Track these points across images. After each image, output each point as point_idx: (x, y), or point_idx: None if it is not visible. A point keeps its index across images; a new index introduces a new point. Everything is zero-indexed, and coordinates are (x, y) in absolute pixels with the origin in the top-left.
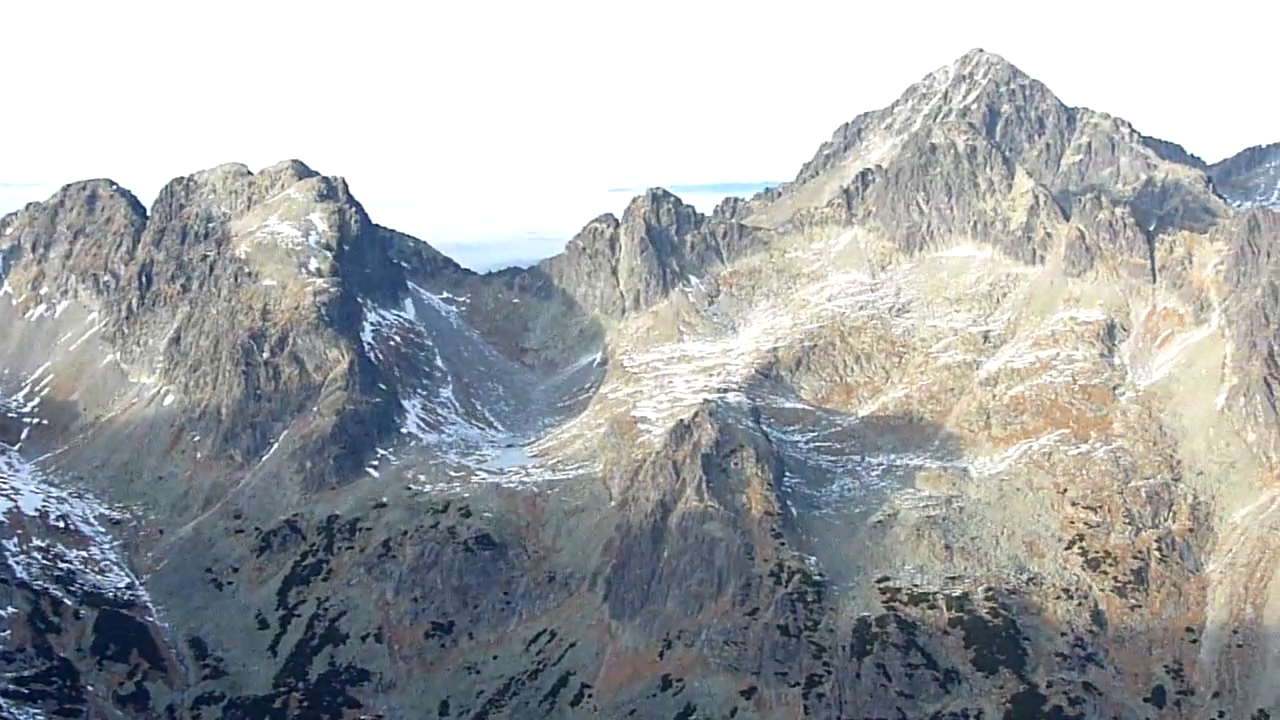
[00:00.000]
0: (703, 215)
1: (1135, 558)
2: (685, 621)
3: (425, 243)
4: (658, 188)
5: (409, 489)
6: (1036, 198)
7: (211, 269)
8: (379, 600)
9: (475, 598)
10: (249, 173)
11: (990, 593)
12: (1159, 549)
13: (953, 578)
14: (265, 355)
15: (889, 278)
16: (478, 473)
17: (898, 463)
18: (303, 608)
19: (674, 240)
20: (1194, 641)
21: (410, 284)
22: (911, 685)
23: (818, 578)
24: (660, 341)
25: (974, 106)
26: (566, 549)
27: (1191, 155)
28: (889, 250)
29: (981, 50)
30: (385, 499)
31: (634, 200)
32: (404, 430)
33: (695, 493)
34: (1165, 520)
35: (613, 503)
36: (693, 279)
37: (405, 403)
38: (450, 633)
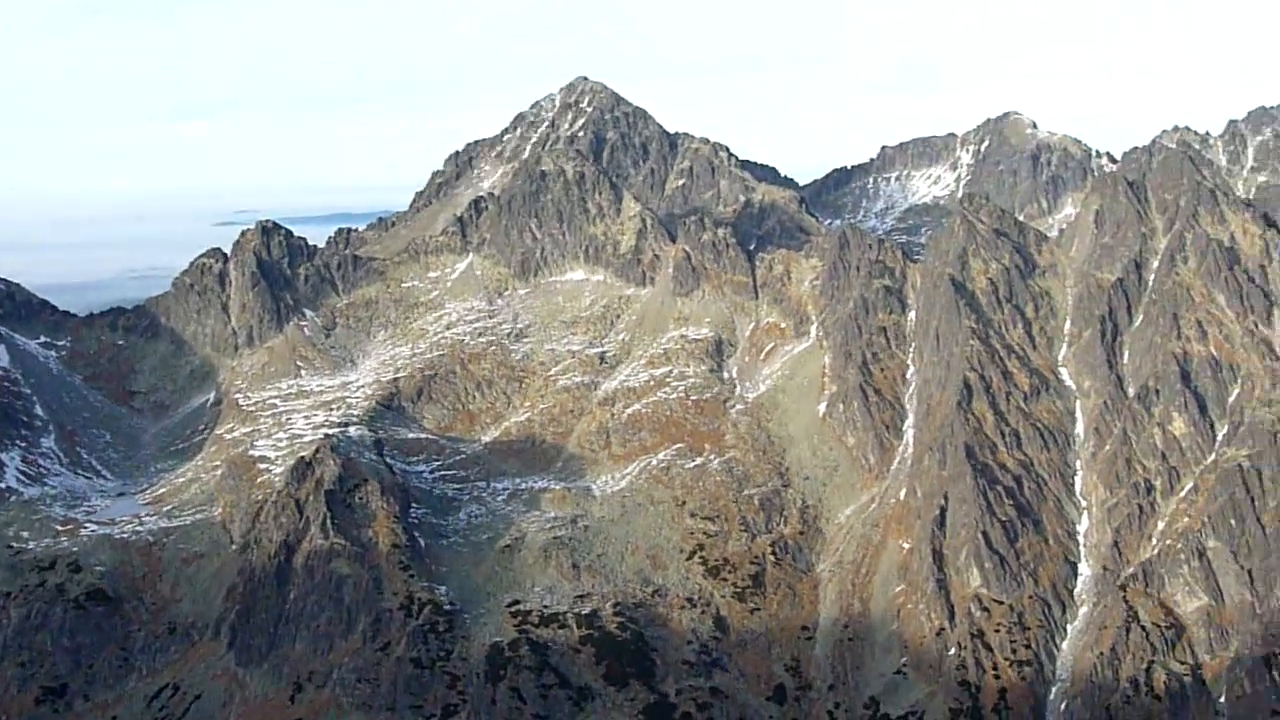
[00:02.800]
0: (315, 247)
1: (752, 563)
2: (316, 662)
3: (18, 285)
4: (267, 220)
5: (10, 547)
6: (644, 221)
7: None
8: None
9: (89, 657)
10: None
11: (618, 607)
12: (773, 553)
13: (581, 596)
14: None
15: (506, 304)
16: (86, 525)
17: (523, 486)
18: None
19: (287, 273)
20: (809, 639)
21: (2, 329)
22: (546, 706)
23: (449, 607)
24: (277, 378)
25: (581, 134)
26: (187, 598)
27: (785, 177)
28: (505, 277)
29: (586, 79)
30: None
31: (243, 234)
32: (2, 485)
33: (320, 530)
34: (778, 525)
35: (234, 546)
36: (308, 312)
37: (3, 455)
38: (64, 696)
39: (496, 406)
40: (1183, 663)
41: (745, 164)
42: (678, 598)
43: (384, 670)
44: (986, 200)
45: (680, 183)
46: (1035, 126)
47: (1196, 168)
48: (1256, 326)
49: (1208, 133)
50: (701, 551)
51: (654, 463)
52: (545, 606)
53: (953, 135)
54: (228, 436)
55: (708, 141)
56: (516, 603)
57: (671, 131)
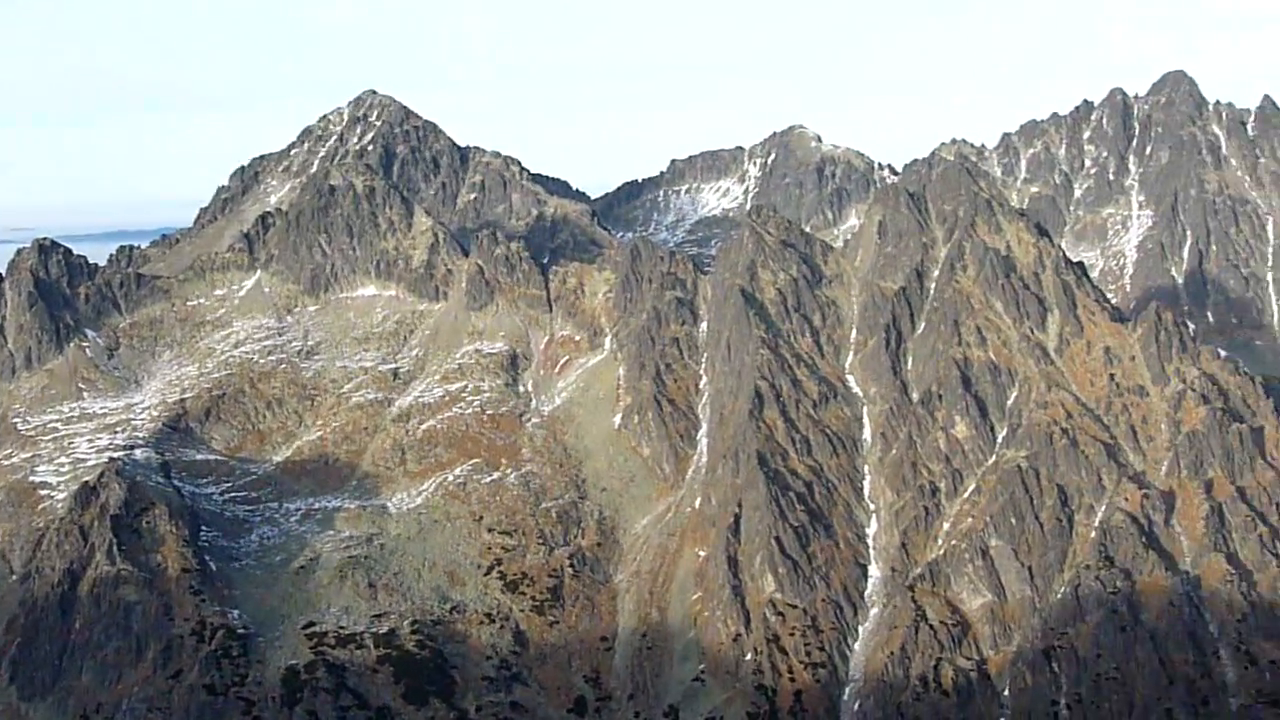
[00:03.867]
0: (96, 265)
1: (550, 576)
2: (103, 694)
3: None
4: (44, 238)
5: None
6: (436, 236)
7: None
8: None
9: None
10: None
11: (416, 626)
12: (571, 565)
13: (378, 615)
14: None
15: (296, 321)
16: None
17: (316, 506)
18: None
19: (66, 293)
20: (609, 649)
21: None
22: None
23: (242, 631)
24: (57, 401)
25: (370, 148)
26: None
27: (577, 190)
28: (294, 293)
29: (374, 92)
30: None
31: (18, 253)
32: None
33: (106, 557)
34: (575, 537)
35: (14, 577)
36: (89, 333)
37: None
38: None
39: (288, 425)
40: (969, 658)
41: (537, 177)
42: (476, 613)
43: (176, 698)
44: (774, 212)
45: (472, 196)
46: (820, 140)
47: (973, 179)
48: (1032, 332)
49: (983, 145)
50: (499, 566)
51: (450, 479)
52: (342, 627)
53: (740, 149)
54: (6, 463)
55: (499, 155)
56: (312, 624)
57: (463, 145)
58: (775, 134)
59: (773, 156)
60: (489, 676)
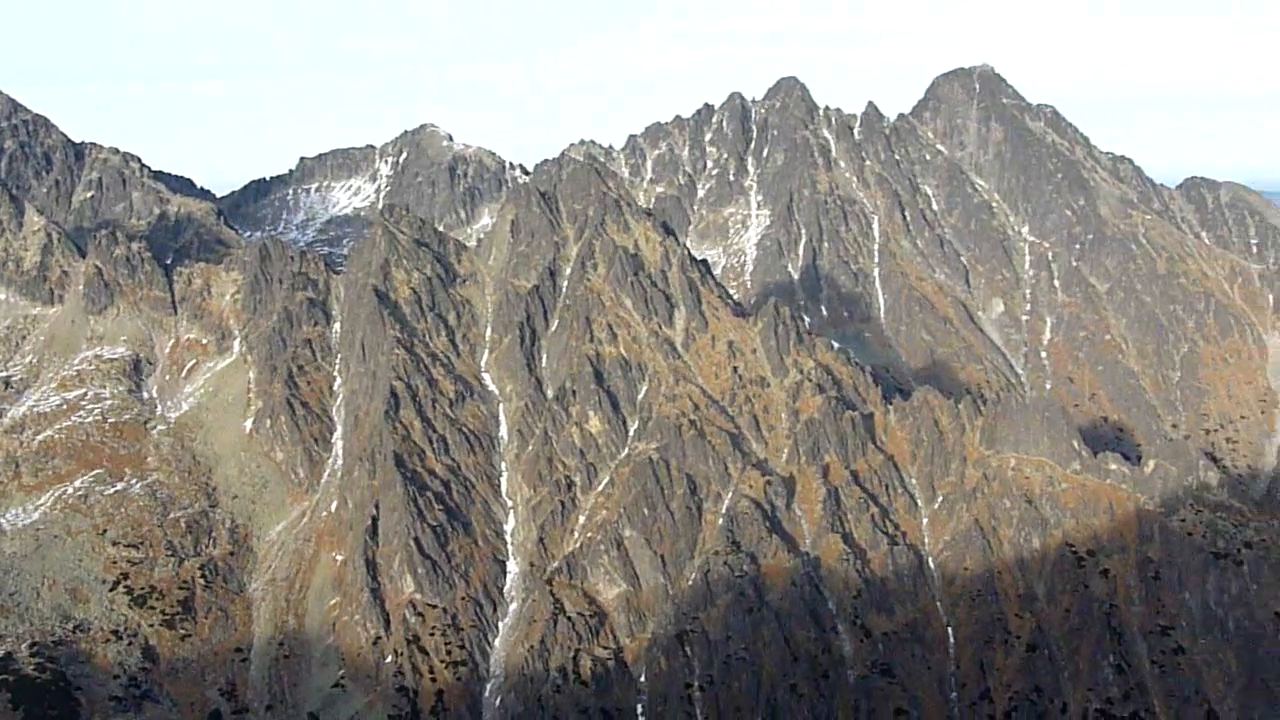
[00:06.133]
0: None
1: (181, 588)
2: None
3: None
4: None
5: None
6: (50, 236)
7: None
8: None
9: None
10: None
11: (35, 648)
12: (203, 576)
13: None
14: None
15: None
16: None
17: None
18: None
19: None
20: (244, 660)
21: None
22: None
23: None
24: None
25: None
26: None
27: (202, 189)
28: None
29: None
30: None
31: None
32: None
33: None
34: (207, 547)
35: None
36: None
37: None
38: None
39: None
40: (606, 648)
41: (159, 175)
42: (102, 631)
43: None
44: (407, 211)
45: (89, 195)
46: (451, 139)
47: (602, 179)
48: (660, 328)
49: (611, 146)
50: (126, 581)
51: (70, 491)
52: None
53: (371, 147)
54: None
55: (117, 151)
56: None
57: (78, 141)
58: (407, 132)
59: (404, 155)
60: (117, 696)
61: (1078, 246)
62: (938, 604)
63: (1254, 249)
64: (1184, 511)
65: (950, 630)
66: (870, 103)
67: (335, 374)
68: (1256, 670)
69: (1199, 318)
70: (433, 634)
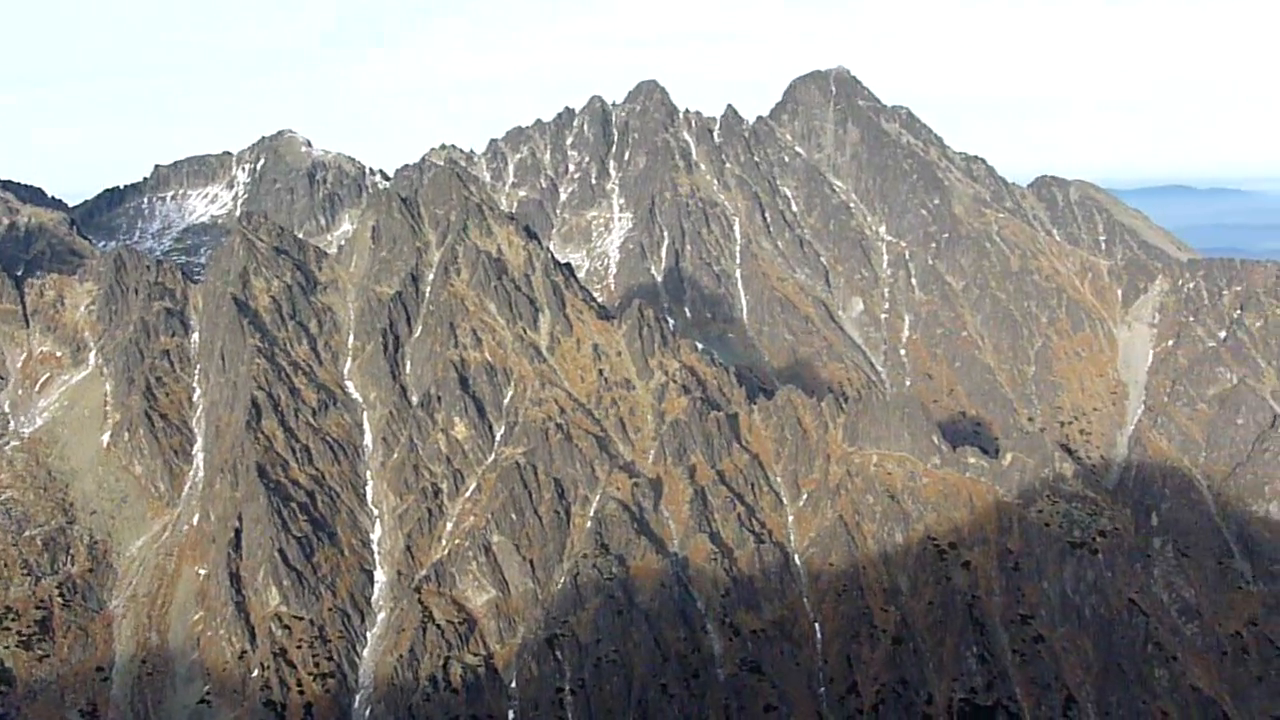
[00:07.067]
0: None
1: (38, 608)
2: None
3: None
4: None
5: None
6: None
7: None
8: None
9: None
10: None
11: None
12: (61, 595)
13: None
14: None
15: None
16: None
17: None
18: None
19: None
20: (106, 680)
21: None
22: None
23: None
24: None
25: None
26: None
27: (53, 198)
28: None
29: None
30: None
31: None
32: None
33: None
34: (65, 565)
35: None
36: None
37: None
38: None
39: None
40: (476, 654)
41: (6, 184)
42: None
43: None
44: (265, 218)
45: None
46: (310, 145)
47: (464, 184)
48: (525, 332)
49: (472, 151)
50: None
51: None
52: None
53: (228, 154)
54: None
55: None
56: None
57: None
58: (264, 139)
59: (262, 162)
60: None
61: (934, 245)
62: (805, 600)
63: (1103, 245)
64: (1041, 502)
65: (817, 626)
66: (729, 106)
67: (195, 385)
68: (1112, 655)
69: (1052, 313)
70: (299, 646)
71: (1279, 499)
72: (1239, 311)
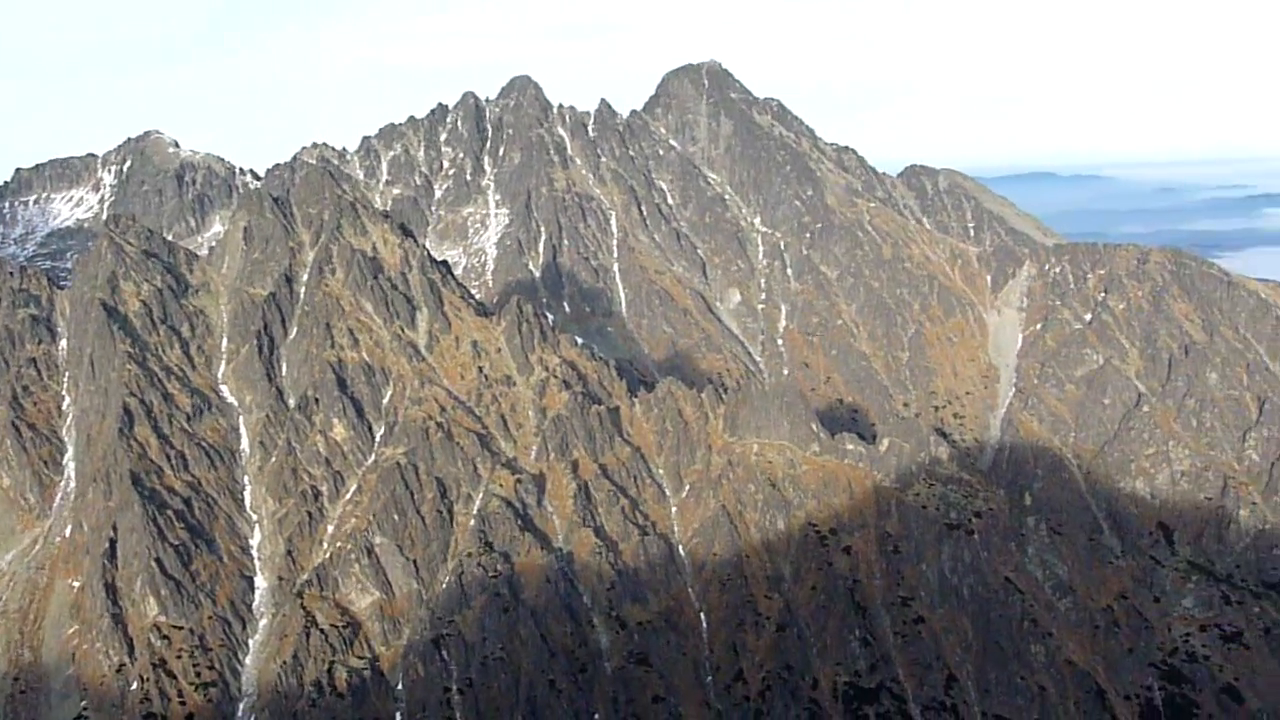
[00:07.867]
0: None
1: None
2: None
3: None
4: None
5: None
6: None
7: None
8: None
9: None
10: None
11: None
12: None
13: None
14: None
15: None
16: None
17: None
18: None
19: None
20: None
21: None
22: None
23: None
24: None
25: None
26: None
27: None
28: None
29: None
30: None
31: None
32: None
33: None
34: None
35: None
36: None
37: None
38: None
39: None
40: (361, 658)
41: None
42: None
43: None
44: (133, 221)
45: None
46: (178, 145)
47: (337, 182)
48: (403, 331)
49: (345, 149)
50: None
51: None
52: None
53: (93, 156)
54: None
55: None
56: None
57: None
58: (130, 140)
59: (129, 163)
60: None
61: (808, 235)
62: (690, 591)
63: (971, 232)
64: (918, 486)
65: (703, 616)
66: (603, 100)
67: (64, 393)
68: (990, 634)
69: (924, 300)
70: (180, 656)
71: (1145, 476)
72: (1103, 294)
